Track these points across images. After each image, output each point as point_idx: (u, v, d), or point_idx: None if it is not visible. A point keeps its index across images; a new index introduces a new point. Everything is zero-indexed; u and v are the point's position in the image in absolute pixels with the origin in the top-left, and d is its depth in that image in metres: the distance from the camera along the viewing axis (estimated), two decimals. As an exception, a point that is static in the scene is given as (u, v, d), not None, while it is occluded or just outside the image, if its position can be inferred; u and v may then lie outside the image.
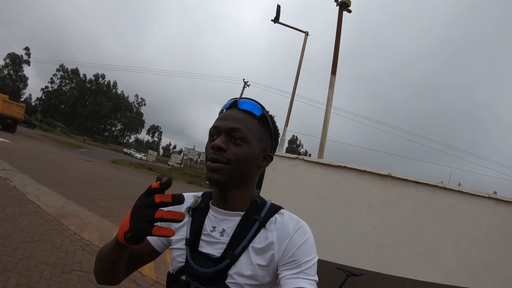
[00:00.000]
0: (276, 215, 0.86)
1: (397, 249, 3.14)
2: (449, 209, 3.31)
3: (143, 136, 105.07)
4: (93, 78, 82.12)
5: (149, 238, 0.92)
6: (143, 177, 19.39)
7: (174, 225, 0.91)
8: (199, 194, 0.97)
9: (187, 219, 0.90)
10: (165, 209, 0.65)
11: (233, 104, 0.88)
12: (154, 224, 0.64)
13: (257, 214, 0.85)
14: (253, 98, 0.90)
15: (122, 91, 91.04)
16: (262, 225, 0.83)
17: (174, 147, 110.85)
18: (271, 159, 0.92)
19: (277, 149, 1.02)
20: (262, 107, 0.89)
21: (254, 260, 0.79)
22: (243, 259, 0.80)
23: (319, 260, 0.80)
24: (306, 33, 11.34)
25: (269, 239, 0.81)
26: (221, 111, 0.91)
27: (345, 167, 3.23)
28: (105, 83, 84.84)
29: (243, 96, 0.96)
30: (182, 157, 49.29)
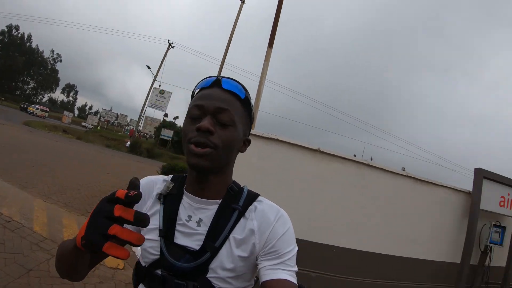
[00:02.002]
0: (255, 203, 0.83)
1: (325, 220, 3.35)
2: (373, 185, 3.59)
3: (58, 95, 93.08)
4: (6, 30, 68.46)
5: None
6: (59, 140, 18.29)
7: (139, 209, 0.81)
8: (169, 178, 0.91)
9: (158, 207, 0.83)
10: (125, 225, 0.54)
11: (216, 83, 0.81)
12: (108, 239, 0.52)
13: (235, 203, 0.81)
14: (234, 79, 0.84)
15: (37, 45, 78.60)
16: (242, 214, 0.80)
17: (90, 108, 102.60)
18: (249, 143, 0.89)
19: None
20: (245, 89, 0.84)
21: (235, 251, 0.76)
22: (223, 251, 0.76)
23: None
24: (243, 1, 11.27)
25: (249, 228, 0.78)
26: (199, 90, 0.83)
27: (277, 140, 3.27)
28: (19, 35, 72.01)
29: (223, 75, 0.87)
30: (99, 119, 45.27)
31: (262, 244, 0.76)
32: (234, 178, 0.88)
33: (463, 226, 4.40)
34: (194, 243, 0.76)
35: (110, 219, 0.53)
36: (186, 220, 0.79)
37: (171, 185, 0.85)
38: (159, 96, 29.50)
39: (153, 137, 36.41)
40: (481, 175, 4.43)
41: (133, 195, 0.52)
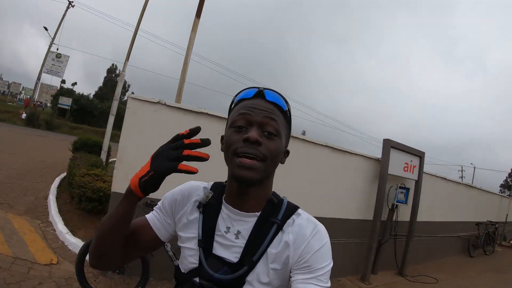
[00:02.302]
0: (294, 216, 0.81)
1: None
2: (297, 153, 3.89)
3: None
4: None
5: (152, 225, 0.86)
6: None
7: (184, 221, 0.85)
8: (209, 185, 0.90)
9: (197, 215, 0.84)
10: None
11: (259, 94, 0.79)
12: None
13: (274, 216, 0.79)
14: (276, 90, 0.83)
15: None
16: (280, 227, 0.78)
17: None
18: (288, 154, 0.87)
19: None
20: (286, 101, 0.83)
21: (271, 265, 0.76)
22: (260, 265, 0.76)
23: None
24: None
25: (284, 241, 0.77)
26: (239, 100, 0.81)
27: (207, 114, 3.35)
28: None
29: (265, 87, 0.85)
30: (-13, 89, 40.09)
31: (296, 258, 0.75)
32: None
33: (374, 188, 5.03)
34: (232, 255, 0.77)
35: (177, 149, 0.69)
36: (224, 231, 0.79)
37: (211, 195, 0.84)
38: (55, 60, 25.81)
39: (50, 106, 31.58)
40: (388, 145, 5.04)
41: (195, 127, 0.70)
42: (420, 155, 5.59)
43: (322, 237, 0.77)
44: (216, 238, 0.79)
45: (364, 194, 5.00)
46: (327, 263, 0.74)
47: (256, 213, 0.79)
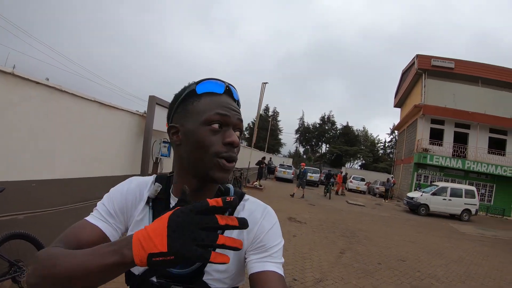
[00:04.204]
0: (242, 202, 0.84)
1: (19, 154, 2.98)
2: (63, 110, 3.48)
3: None
4: None
5: (103, 228, 0.76)
6: None
7: (133, 221, 0.80)
8: (153, 178, 0.86)
9: (146, 211, 0.80)
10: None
11: (227, 91, 0.79)
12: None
13: None
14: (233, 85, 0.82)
15: None
16: (231, 215, 0.74)
17: None
18: None
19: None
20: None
21: (227, 252, 0.63)
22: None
23: None
24: None
25: None
26: (206, 92, 0.76)
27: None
28: None
29: (229, 83, 0.81)
30: None
31: (250, 240, 0.78)
32: None
33: (139, 143, 5.21)
34: None
35: (208, 230, 0.51)
36: None
37: (159, 188, 0.81)
38: None
39: None
40: (154, 101, 5.28)
41: (232, 200, 0.53)
42: (179, 111, 6.17)
43: (272, 218, 0.82)
44: None
45: (131, 150, 5.09)
46: (279, 241, 0.80)
47: None
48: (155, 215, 0.79)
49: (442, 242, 9.18)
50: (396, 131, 41.36)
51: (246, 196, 0.87)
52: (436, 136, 22.65)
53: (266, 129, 39.14)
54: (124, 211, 0.80)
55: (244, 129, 0.90)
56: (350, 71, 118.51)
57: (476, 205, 16.06)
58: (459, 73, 22.73)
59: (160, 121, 5.50)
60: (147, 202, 0.81)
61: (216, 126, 0.73)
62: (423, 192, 16.56)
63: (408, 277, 5.28)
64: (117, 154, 4.76)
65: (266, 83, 16.61)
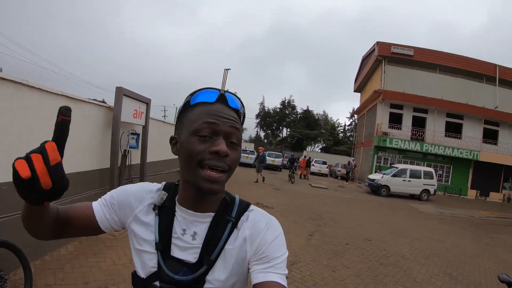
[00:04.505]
0: (247, 213, 0.84)
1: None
2: (33, 107, 3.34)
3: None
4: None
5: (96, 210, 0.85)
6: None
7: (139, 223, 0.84)
8: (162, 186, 0.89)
9: (152, 217, 0.83)
10: None
11: (221, 98, 0.77)
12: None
13: (228, 214, 0.82)
14: (233, 93, 0.81)
15: None
16: (235, 225, 0.81)
17: None
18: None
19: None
20: (242, 102, 0.83)
21: (229, 262, 0.78)
22: (219, 263, 0.78)
23: None
24: None
25: (241, 237, 0.80)
26: (199, 102, 0.77)
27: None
28: None
29: (225, 90, 0.80)
30: None
31: (253, 251, 0.79)
32: None
33: (107, 136, 5.07)
34: (191, 256, 0.78)
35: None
36: (181, 233, 0.80)
37: (165, 196, 0.84)
38: None
39: None
40: (121, 93, 5.12)
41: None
42: (147, 101, 6.07)
43: (276, 229, 0.82)
44: (173, 240, 0.80)
45: (99, 143, 4.96)
46: (283, 253, 0.79)
47: (211, 213, 0.81)
48: (161, 222, 0.82)
49: (404, 221, 9.80)
50: (356, 115, 42.78)
51: (251, 207, 0.87)
52: (395, 120, 23.74)
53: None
54: (123, 208, 0.85)
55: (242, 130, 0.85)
56: (310, 56, 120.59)
57: (434, 185, 17.10)
58: (418, 60, 23.88)
59: (128, 112, 5.38)
60: (154, 209, 0.84)
61: (204, 135, 0.73)
62: (384, 174, 17.35)
63: (375, 256, 5.65)
64: (86, 148, 4.62)
65: (228, 69, 16.48)
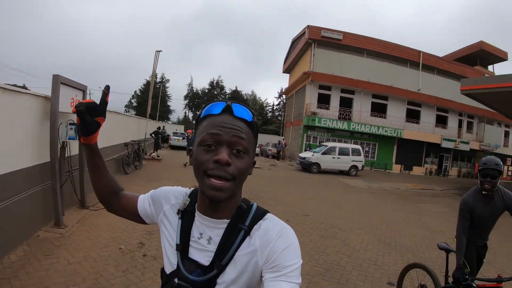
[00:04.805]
0: (261, 221, 0.86)
1: None
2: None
3: None
4: None
5: (139, 200, 1.04)
6: None
7: (166, 223, 0.95)
8: (188, 192, 0.98)
9: (177, 221, 0.92)
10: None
11: (226, 109, 0.81)
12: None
13: (242, 222, 0.85)
14: (241, 103, 0.84)
15: None
16: (247, 233, 0.84)
17: None
18: (255, 164, 0.89)
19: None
20: (252, 112, 0.85)
21: (239, 268, 0.82)
22: (229, 268, 0.82)
23: None
24: None
25: (252, 246, 0.82)
26: (206, 115, 0.83)
27: None
28: None
29: (232, 101, 0.83)
30: None
31: (263, 260, 0.80)
32: None
33: (44, 128, 4.75)
34: (205, 259, 0.84)
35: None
36: (198, 237, 0.87)
37: (188, 202, 0.93)
38: None
39: None
40: (58, 81, 4.74)
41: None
42: (83, 88, 5.72)
43: (288, 238, 0.82)
44: (191, 243, 0.87)
45: (37, 136, 4.62)
46: (296, 261, 0.78)
47: (226, 220, 0.85)
48: (183, 225, 0.90)
49: (337, 196, 10.72)
50: (284, 95, 44.24)
51: (267, 215, 0.88)
52: (324, 101, 25.20)
53: (157, 97, 37.72)
54: (155, 204, 1.00)
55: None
56: (239, 37, 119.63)
57: (362, 161, 18.72)
58: (347, 44, 25.42)
59: (66, 102, 5.07)
60: (178, 213, 0.93)
61: (208, 145, 0.78)
62: (314, 152, 18.51)
63: (315, 229, 6.25)
64: (23, 144, 4.29)
65: (160, 51, 15.97)
